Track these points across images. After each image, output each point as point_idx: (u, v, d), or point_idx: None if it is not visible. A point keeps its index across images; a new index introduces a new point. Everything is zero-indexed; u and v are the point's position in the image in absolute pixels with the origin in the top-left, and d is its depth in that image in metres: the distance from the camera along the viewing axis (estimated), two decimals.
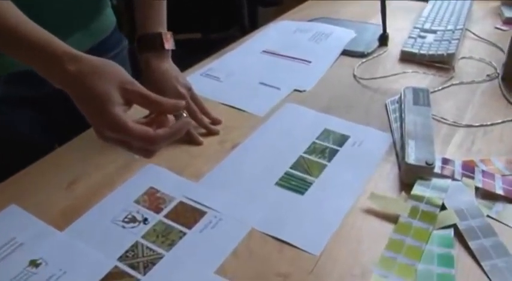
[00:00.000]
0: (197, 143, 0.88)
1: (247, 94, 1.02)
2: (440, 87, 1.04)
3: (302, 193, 0.76)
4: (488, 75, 1.08)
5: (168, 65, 0.92)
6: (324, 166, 0.81)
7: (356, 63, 1.14)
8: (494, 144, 0.86)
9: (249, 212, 0.72)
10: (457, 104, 0.99)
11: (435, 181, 0.76)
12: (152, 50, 0.90)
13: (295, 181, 0.78)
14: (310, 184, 0.78)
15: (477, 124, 0.92)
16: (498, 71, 1.09)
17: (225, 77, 1.09)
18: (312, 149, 0.85)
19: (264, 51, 1.21)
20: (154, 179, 0.79)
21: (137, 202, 0.75)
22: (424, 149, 0.78)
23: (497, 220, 0.71)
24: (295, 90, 1.04)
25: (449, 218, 0.70)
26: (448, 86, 1.05)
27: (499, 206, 0.73)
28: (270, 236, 0.68)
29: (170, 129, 0.64)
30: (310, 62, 1.16)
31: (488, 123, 0.92)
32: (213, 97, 1.01)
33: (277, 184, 0.78)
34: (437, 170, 0.78)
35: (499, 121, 0.92)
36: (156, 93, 0.89)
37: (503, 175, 0.78)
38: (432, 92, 0.99)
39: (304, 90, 1.04)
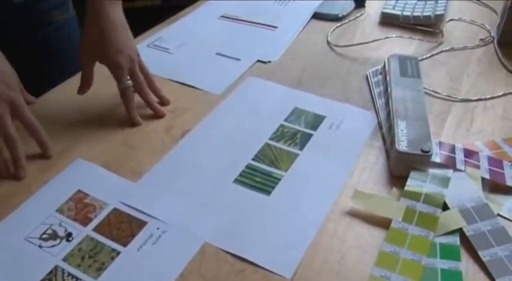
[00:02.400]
0: (134, 123, 0.76)
1: (202, 68, 0.91)
2: (428, 55, 0.91)
3: (268, 193, 0.64)
4: (482, 40, 0.96)
5: (119, 16, 0.75)
6: (294, 156, 0.70)
7: (330, 28, 1.03)
8: (497, 121, 0.76)
9: (200, 222, 0.60)
10: (450, 75, 0.87)
11: (433, 172, 0.63)
12: None
13: (260, 177, 0.66)
14: (278, 179, 0.66)
15: (475, 98, 0.80)
16: (493, 34, 0.96)
17: (176, 48, 0.97)
18: (280, 134, 0.74)
19: (222, 17, 1.10)
20: (84, 179, 0.67)
21: (60, 211, 0.62)
22: (418, 132, 0.65)
23: (510, 220, 0.58)
24: (259, 61, 0.93)
25: (454, 222, 0.57)
26: (437, 53, 0.92)
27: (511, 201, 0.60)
28: (228, 253, 0.57)
29: None
30: (276, 27, 1.05)
31: (488, 96, 0.81)
32: (161, 73, 0.88)
33: (236, 181, 0.66)
34: (434, 158, 0.64)
35: (500, 94, 0.82)
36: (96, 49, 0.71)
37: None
38: (420, 61, 0.85)
39: (269, 62, 0.93)
